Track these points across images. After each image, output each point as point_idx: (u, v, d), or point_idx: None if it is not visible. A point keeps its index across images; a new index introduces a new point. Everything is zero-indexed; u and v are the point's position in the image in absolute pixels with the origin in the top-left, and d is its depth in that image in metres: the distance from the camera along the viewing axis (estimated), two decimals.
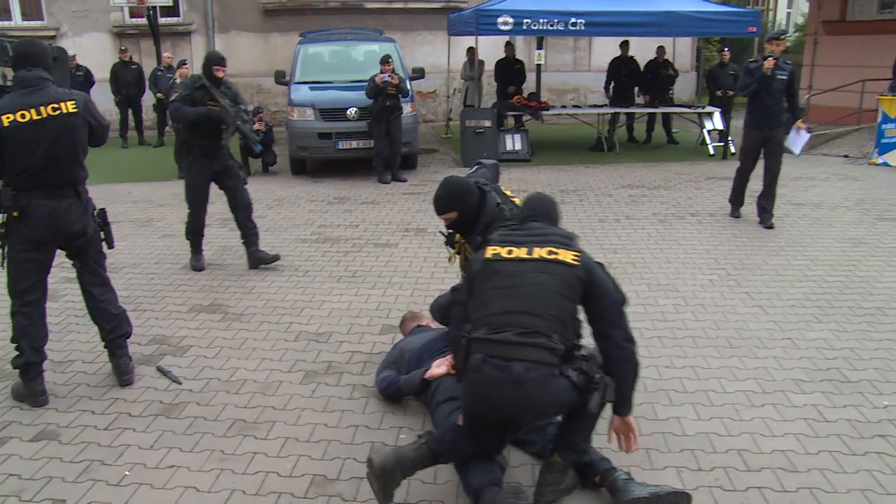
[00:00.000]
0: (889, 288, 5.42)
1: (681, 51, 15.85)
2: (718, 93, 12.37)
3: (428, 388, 3.50)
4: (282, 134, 11.84)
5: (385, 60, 9.38)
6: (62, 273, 5.47)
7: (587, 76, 17.14)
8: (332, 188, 9.49)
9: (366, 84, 9.48)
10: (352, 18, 15.04)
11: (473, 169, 3.91)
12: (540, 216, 3.05)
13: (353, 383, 3.97)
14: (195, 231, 6.08)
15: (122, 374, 3.90)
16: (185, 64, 10.14)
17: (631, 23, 10.89)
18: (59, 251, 3.80)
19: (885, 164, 10.67)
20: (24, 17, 15.00)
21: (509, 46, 12.94)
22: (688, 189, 9.21)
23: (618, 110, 12.58)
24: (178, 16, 15.38)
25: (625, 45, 12.75)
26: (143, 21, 13.93)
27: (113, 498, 2.96)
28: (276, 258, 6.10)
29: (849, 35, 15.21)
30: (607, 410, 2.89)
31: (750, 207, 7.58)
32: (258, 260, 6.05)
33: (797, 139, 7.32)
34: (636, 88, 13.03)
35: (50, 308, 4.03)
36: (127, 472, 3.12)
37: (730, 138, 11.69)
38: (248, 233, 6.08)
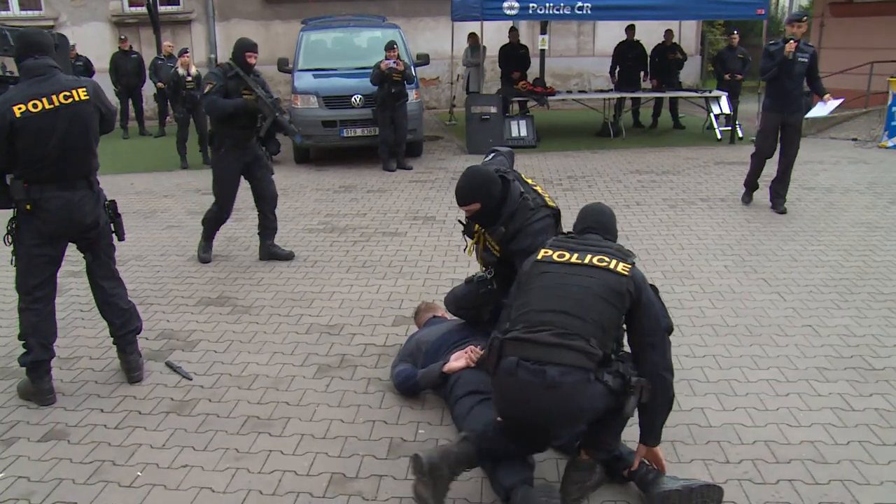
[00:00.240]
0: None
1: (686, 34, 15.64)
2: (727, 76, 12.21)
3: (447, 382, 3.41)
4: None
5: (390, 47, 9.25)
6: (67, 267, 5.27)
7: (591, 61, 16.96)
8: (337, 177, 9.38)
9: (370, 71, 9.36)
10: (354, 5, 14.86)
11: (490, 156, 3.80)
12: (599, 228, 2.98)
13: (368, 377, 3.88)
14: (217, 223, 5.90)
15: (132, 370, 3.81)
16: (187, 52, 10.00)
17: (637, 6, 10.74)
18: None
19: (895, 147, 10.54)
20: (22, 6, 14.83)
21: (513, 31, 12.77)
22: (697, 174, 9.09)
23: (624, 95, 12.43)
24: (178, 4, 15.21)
25: (630, 30, 12.59)
26: (143, 10, 13.78)
27: (126, 500, 2.88)
28: (290, 256, 5.96)
29: (856, 17, 15.03)
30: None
31: (761, 192, 7.46)
32: (272, 255, 5.92)
33: (825, 106, 7.23)
34: (642, 73, 12.87)
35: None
36: (139, 473, 3.04)
37: (738, 122, 11.56)
38: (270, 225, 5.94)
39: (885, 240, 6.16)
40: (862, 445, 3.21)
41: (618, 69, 12.79)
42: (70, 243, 3.67)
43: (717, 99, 11.96)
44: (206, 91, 5.48)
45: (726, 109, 11.81)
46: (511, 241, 3.31)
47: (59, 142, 3.40)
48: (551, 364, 2.55)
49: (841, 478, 2.98)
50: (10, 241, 3.52)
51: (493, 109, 10.94)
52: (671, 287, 5.10)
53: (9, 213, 3.54)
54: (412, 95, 9.81)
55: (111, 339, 3.89)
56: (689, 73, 16.71)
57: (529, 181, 3.50)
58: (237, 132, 5.58)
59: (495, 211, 3.31)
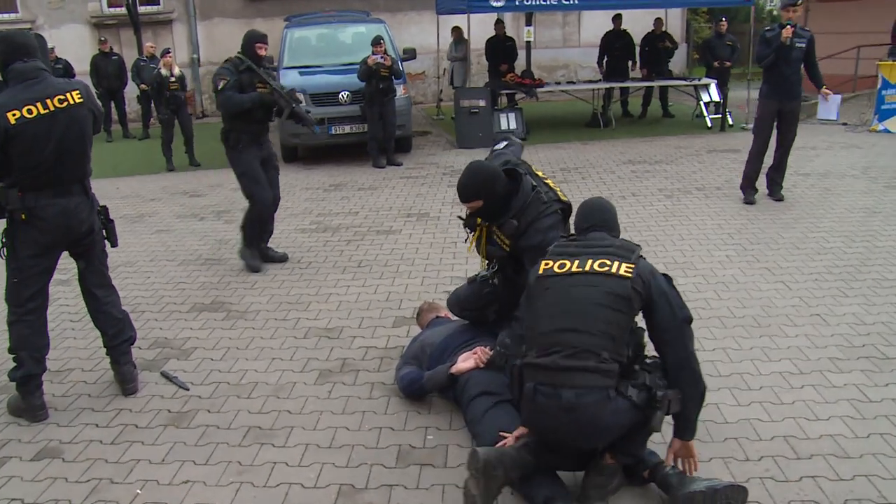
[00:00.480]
0: None
1: (671, 23, 15.51)
2: (716, 64, 12.14)
3: (456, 384, 3.29)
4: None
5: (377, 42, 9.10)
6: (55, 275, 5.19)
7: (577, 52, 16.88)
8: (326, 175, 9.24)
9: (356, 67, 9.22)
10: (337, 1, 14.68)
11: (503, 144, 3.68)
12: (602, 225, 2.86)
13: (371, 381, 3.77)
14: (262, 221, 5.63)
15: (126, 382, 3.67)
16: (169, 53, 9.81)
17: None
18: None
19: (886, 131, 10.51)
20: None
21: (499, 24, 12.64)
22: (690, 163, 9.02)
23: (614, 85, 12.33)
24: (159, 4, 14.97)
25: (617, 19, 12.50)
26: (122, 11, 13.56)
27: None
28: (283, 258, 5.81)
29: (842, 1, 15.00)
30: None
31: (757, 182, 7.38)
32: (265, 257, 5.76)
33: (829, 106, 7.11)
34: (630, 62, 12.78)
35: None
36: (139, 491, 2.91)
37: (728, 110, 11.50)
38: (266, 228, 5.78)
39: (886, 225, 6.10)
40: (883, 438, 3.12)
41: (605, 59, 12.70)
42: (63, 251, 3.53)
43: (707, 87, 11.89)
44: (219, 87, 5.25)
45: (716, 97, 11.74)
46: (521, 236, 3.20)
47: (56, 147, 3.27)
48: (566, 387, 2.51)
49: (865, 472, 2.89)
50: (4, 254, 3.37)
51: (482, 103, 10.81)
52: (674, 279, 4.97)
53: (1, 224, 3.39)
54: (400, 91, 9.67)
55: (104, 350, 3.75)
56: (676, 61, 16.59)
57: (540, 174, 3.39)
58: (253, 127, 5.42)
59: (499, 207, 3.20)
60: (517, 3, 10.33)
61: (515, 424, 2.85)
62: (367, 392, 3.66)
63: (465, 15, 10.94)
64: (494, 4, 10.30)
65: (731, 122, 11.54)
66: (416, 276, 5.37)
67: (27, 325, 3.39)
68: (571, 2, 10.51)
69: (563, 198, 3.31)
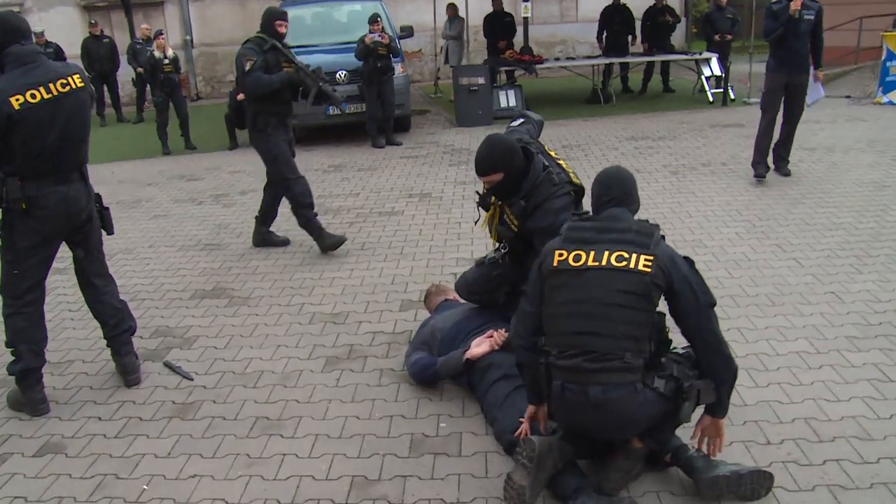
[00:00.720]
0: None
1: None
2: (716, 37, 11.96)
3: (472, 368, 3.20)
4: None
5: (374, 20, 8.94)
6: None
7: (575, 27, 16.67)
8: (325, 156, 9.10)
9: (353, 46, 9.06)
10: None
11: (518, 121, 3.55)
12: (619, 199, 2.68)
13: (380, 368, 3.68)
14: (308, 205, 5.36)
15: (129, 373, 3.58)
16: (162, 35, 9.63)
17: None
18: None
19: (891, 103, 10.37)
20: None
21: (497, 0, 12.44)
22: (694, 139, 8.90)
23: (614, 60, 12.16)
24: None
25: None
26: None
27: None
28: (285, 242, 5.69)
29: None
30: None
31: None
32: (266, 241, 5.65)
33: (811, 91, 6.89)
34: (630, 37, 12.60)
35: None
36: (145, 487, 2.82)
37: (730, 85, 11.34)
38: (271, 211, 5.64)
39: (895, 199, 6.00)
40: None
41: (605, 34, 12.51)
42: (61, 241, 3.43)
43: (708, 61, 11.72)
44: (246, 68, 5.03)
45: (717, 71, 11.58)
46: (530, 216, 3.10)
47: (60, 133, 3.15)
48: (592, 385, 2.45)
49: (890, 455, 2.82)
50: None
51: (481, 80, 10.65)
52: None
53: None
54: (398, 69, 9.52)
55: (104, 341, 3.65)
56: (675, 35, 16.44)
57: (553, 154, 3.28)
58: (281, 108, 5.24)
59: (516, 183, 3.09)
60: None
61: None
62: (376, 379, 3.57)
63: None
64: None
65: (732, 96, 11.39)
66: (420, 258, 5.27)
67: (25, 318, 3.29)
68: None
69: (575, 180, 3.20)
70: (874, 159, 7.34)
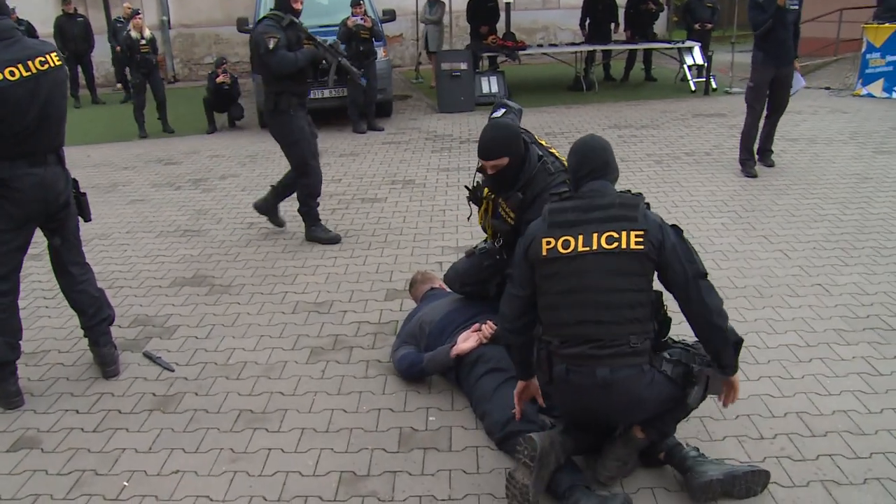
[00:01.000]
0: None
1: None
2: (696, 26, 11.97)
3: (460, 363, 3.14)
4: (246, 86, 11.18)
5: (356, 3, 8.78)
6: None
7: (557, 14, 16.60)
8: None
9: (335, 29, 8.88)
10: None
11: (500, 111, 3.46)
12: (598, 171, 2.56)
13: (366, 359, 3.60)
14: (314, 195, 5.26)
15: (107, 364, 3.46)
16: (139, 14, 9.40)
17: None
18: None
19: (870, 95, 10.44)
20: None
21: None
22: (677, 128, 8.88)
23: (597, 47, 12.11)
24: None
25: None
26: None
27: None
28: (281, 225, 5.55)
29: None
30: None
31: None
32: (267, 212, 5.48)
33: (793, 82, 6.84)
34: (613, 25, 12.54)
35: None
36: (126, 483, 2.73)
37: (712, 74, 11.34)
38: (291, 191, 5.44)
39: (878, 191, 6.03)
40: None
41: (588, 21, 12.44)
42: (37, 227, 3.30)
43: (690, 50, 11.71)
44: (270, 47, 4.79)
45: (699, 60, 11.59)
46: (529, 208, 3.03)
47: (39, 113, 3.02)
48: (600, 366, 2.40)
49: (882, 450, 2.81)
50: None
51: (464, 66, 10.55)
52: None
53: None
54: (380, 53, 9.38)
55: (81, 331, 3.53)
56: (657, 24, 16.44)
57: (543, 143, 3.21)
58: (302, 88, 5.07)
59: (516, 172, 3.02)
60: None
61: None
62: (362, 371, 3.50)
63: None
64: None
65: (714, 85, 11.39)
66: (405, 246, 5.19)
67: (0, 310, 3.15)
68: None
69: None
70: (856, 151, 7.38)
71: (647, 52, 12.69)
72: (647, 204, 2.52)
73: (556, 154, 3.19)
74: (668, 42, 12.63)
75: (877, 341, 3.64)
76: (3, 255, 3.13)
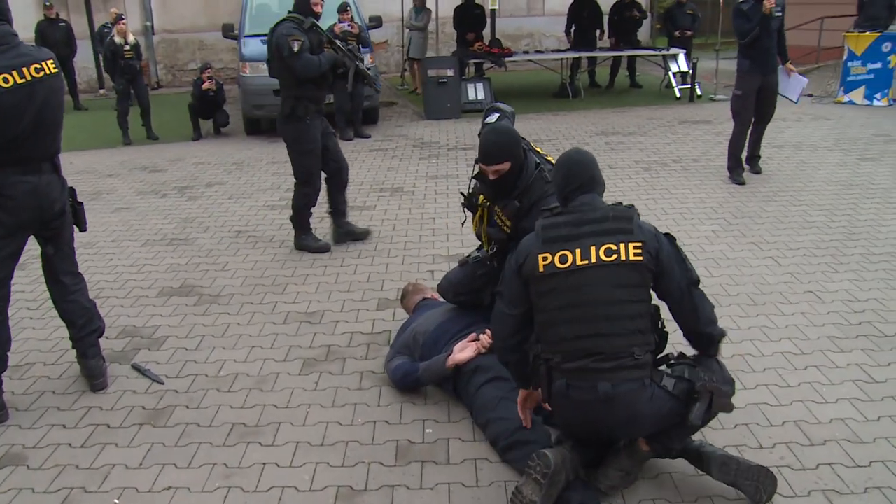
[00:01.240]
0: (894, 233, 5.22)
1: None
2: (676, 33, 12.06)
3: (457, 373, 3.09)
4: (231, 92, 11.08)
5: (343, 9, 8.73)
6: None
7: (541, 21, 16.65)
8: None
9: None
10: None
11: (495, 116, 3.44)
12: (585, 185, 2.55)
13: (360, 370, 3.55)
14: (310, 206, 5.21)
15: (95, 377, 3.38)
16: (123, 19, 9.29)
17: None
18: None
19: (851, 103, 10.55)
20: None
21: None
22: (664, 134, 8.92)
23: (583, 54, 12.15)
24: None
25: None
26: None
27: None
28: (367, 233, 5.42)
29: None
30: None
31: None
32: (349, 234, 5.36)
33: (792, 84, 6.88)
34: (598, 31, 12.59)
35: None
36: (116, 501, 2.65)
37: (697, 81, 11.40)
38: (343, 201, 5.35)
39: (863, 198, 6.07)
40: (894, 421, 3.05)
41: (573, 28, 12.48)
42: (30, 235, 3.23)
43: (675, 57, 11.78)
44: (295, 50, 4.69)
45: (684, 67, 11.65)
46: (525, 216, 3.00)
47: (33, 121, 2.97)
48: (601, 380, 2.37)
49: (881, 458, 2.81)
50: None
51: (450, 72, 10.55)
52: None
53: None
54: (367, 60, 9.31)
55: (69, 343, 3.45)
56: (641, 31, 16.55)
57: (539, 150, 3.19)
58: (321, 93, 4.99)
59: (515, 179, 2.99)
60: None
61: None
62: (356, 382, 3.45)
63: None
64: None
65: (699, 92, 11.46)
66: (395, 254, 5.15)
67: None
68: None
69: None
70: (841, 158, 7.44)
71: (631, 59, 12.76)
72: (638, 214, 2.53)
73: (552, 161, 3.16)
74: (654, 49, 12.69)
75: (870, 348, 3.65)
76: None
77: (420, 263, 4.95)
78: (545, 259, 2.46)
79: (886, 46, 10.29)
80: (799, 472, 2.74)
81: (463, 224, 3.51)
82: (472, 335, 3.20)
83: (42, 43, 11.71)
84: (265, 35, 9.72)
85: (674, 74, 11.74)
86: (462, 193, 3.36)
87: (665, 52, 11.95)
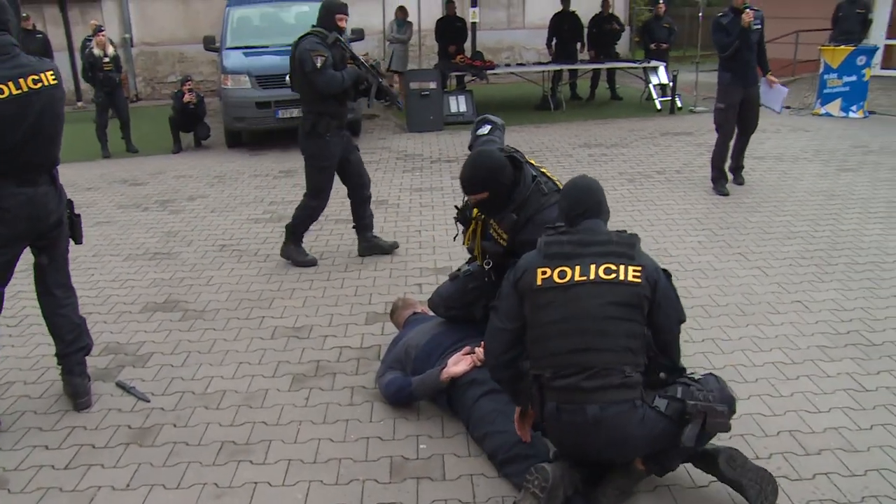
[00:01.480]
0: (876, 242, 5.28)
1: (616, 6, 15.59)
2: (652, 46, 12.19)
3: (452, 387, 3.05)
4: (211, 105, 11.01)
5: None
6: None
7: (522, 34, 16.75)
8: (275, 161, 8.83)
9: None
10: None
11: (486, 128, 3.42)
12: (592, 211, 2.59)
13: (351, 385, 3.50)
14: (312, 219, 5.18)
15: (79, 395, 3.29)
16: (103, 31, 9.19)
17: None
18: None
19: (828, 115, 10.69)
20: None
21: (451, 4, 12.32)
22: (646, 146, 8.97)
23: (565, 67, 12.22)
24: None
25: (566, 0, 12.35)
26: None
27: None
28: (394, 246, 5.36)
29: None
30: None
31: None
32: (376, 247, 5.30)
33: (773, 95, 6.95)
34: (578, 44, 12.68)
35: None
36: None
37: (677, 93, 11.50)
38: (369, 215, 5.29)
39: (845, 208, 6.13)
40: (886, 429, 3.05)
41: (554, 41, 12.56)
42: (26, 246, 3.18)
43: (656, 69, 11.89)
44: (318, 65, 4.64)
45: (665, 80, 11.76)
46: (522, 229, 2.98)
47: (28, 132, 2.91)
48: (590, 403, 2.36)
49: (876, 467, 2.81)
50: None
51: (433, 85, 10.55)
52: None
53: None
54: None
55: (53, 359, 3.37)
56: (620, 44, 16.72)
57: (534, 162, 3.17)
58: (344, 109, 4.93)
59: (503, 199, 2.97)
60: None
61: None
62: (347, 397, 3.39)
63: None
64: None
65: (679, 104, 11.57)
66: (382, 267, 5.10)
67: None
68: None
69: (561, 187, 3.10)
70: (821, 169, 7.52)
71: (611, 72, 12.86)
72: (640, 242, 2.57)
73: (548, 173, 3.15)
74: (635, 61, 12.81)
75: (859, 357, 3.66)
76: None
77: (407, 277, 4.91)
78: (544, 273, 2.48)
79: (861, 60, 10.46)
80: (796, 483, 2.73)
81: (455, 238, 3.48)
82: (467, 348, 3.16)
83: None
84: (247, 47, 9.77)
85: (654, 87, 11.85)
86: (456, 207, 3.34)
87: (646, 65, 12.06)
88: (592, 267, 2.43)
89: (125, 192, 7.48)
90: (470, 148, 3.48)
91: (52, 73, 3.01)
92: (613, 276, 2.42)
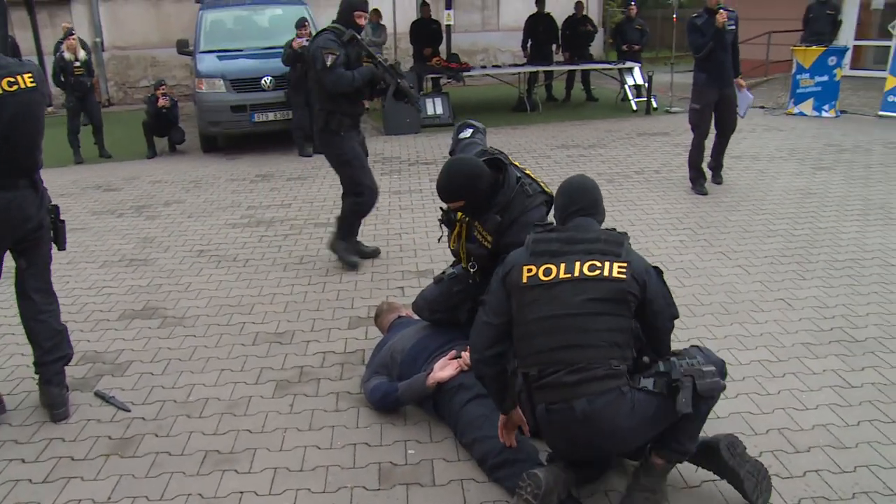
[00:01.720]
0: (854, 240, 5.33)
1: (590, 7, 15.68)
2: (624, 47, 12.27)
3: (438, 392, 3.01)
4: (185, 109, 10.87)
5: (301, 24, 8.64)
6: None
7: (496, 36, 16.79)
8: (251, 165, 8.73)
9: (279, 51, 8.75)
10: None
11: (468, 132, 3.39)
12: (585, 209, 2.58)
13: (335, 391, 3.44)
14: (362, 213, 5.09)
15: (56, 406, 3.20)
16: (73, 35, 9.03)
17: None
18: None
19: (801, 114, 10.82)
20: None
21: (426, 6, 12.31)
22: (624, 147, 9.00)
23: (540, 68, 12.25)
24: None
25: (540, 2, 12.38)
26: None
27: None
28: (376, 253, 5.30)
29: None
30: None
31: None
32: (359, 253, 5.22)
33: (740, 99, 6.97)
34: (554, 46, 12.72)
35: None
36: None
37: (653, 94, 11.58)
38: (352, 226, 5.19)
39: (822, 206, 6.20)
40: (873, 425, 3.07)
41: (530, 43, 12.59)
42: (6, 251, 3.11)
43: (631, 70, 11.96)
44: (328, 63, 4.56)
45: (640, 80, 11.84)
46: (506, 231, 2.95)
47: (3, 134, 2.84)
48: (577, 398, 2.32)
49: (865, 463, 2.82)
50: None
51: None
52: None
53: None
54: None
55: (33, 367, 3.27)
56: (594, 45, 16.81)
57: (517, 164, 3.14)
58: (357, 108, 4.85)
59: (483, 203, 2.94)
60: None
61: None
62: (332, 403, 3.33)
63: None
64: None
65: (655, 105, 11.64)
66: (364, 271, 5.05)
67: None
68: None
69: (546, 189, 3.08)
70: (797, 167, 7.60)
71: (586, 73, 12.92)
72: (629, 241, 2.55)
73: (532, 175, 3.12)
74: (610, 63, 12.87)
75: (843, 353, 3.68)
76: None
77: (389, 280, 4.86)
78: (529, 271, 2.46)
79: (832, 60, 10.59)
80: (787, 481, 2.73)
81: (439, 240, 3.44)
82: (453, 353, 3.12)
83: None
84: (221, 51, 9.66)
85: (630, 87, 11.92)
86: (441, 209, 3.30)
87: (621, 66, 12.12)
88: (577, 264, 2.42)
89: (99, 198, 7.35)
90: (451, 153, 3.44)
91: (30, 75, 2.95)
92: (597, 272, 2.40)
